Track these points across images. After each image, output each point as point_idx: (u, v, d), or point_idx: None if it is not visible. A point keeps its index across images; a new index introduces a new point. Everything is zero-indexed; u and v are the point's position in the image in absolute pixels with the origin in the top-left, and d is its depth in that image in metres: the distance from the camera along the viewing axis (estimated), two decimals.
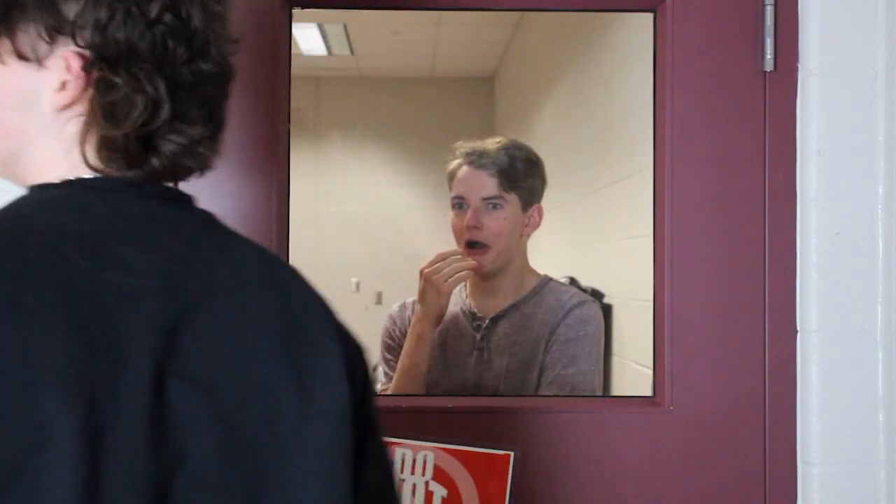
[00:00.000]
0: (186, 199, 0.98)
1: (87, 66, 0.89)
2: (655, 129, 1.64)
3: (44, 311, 0.78)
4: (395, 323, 2.09)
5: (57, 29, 0.89)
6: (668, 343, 1.60)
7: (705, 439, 1.60)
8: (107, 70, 0.88)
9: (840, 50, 1.58)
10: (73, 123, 0.91)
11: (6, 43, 0.92)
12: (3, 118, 0.93)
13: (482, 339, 2.01)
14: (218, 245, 0.96)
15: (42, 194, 0.91)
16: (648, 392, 1.66)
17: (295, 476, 0.87)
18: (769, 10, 1.60)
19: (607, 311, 2.64)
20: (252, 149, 1.59)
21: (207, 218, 0.99)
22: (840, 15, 1.58)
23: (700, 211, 1.61)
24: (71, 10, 0.89)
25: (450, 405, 1.62)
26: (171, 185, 0.97)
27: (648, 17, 1.66)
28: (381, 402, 1.70)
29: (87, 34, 0.89)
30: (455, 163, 2.05)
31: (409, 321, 2.02)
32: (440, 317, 1.99)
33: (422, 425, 1.58)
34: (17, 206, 0.90)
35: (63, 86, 0.90)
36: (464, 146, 2.05)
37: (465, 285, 2.06)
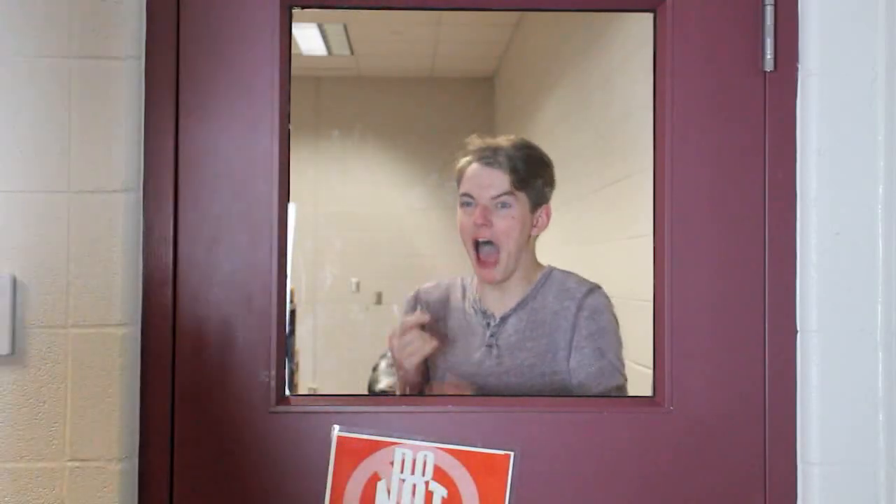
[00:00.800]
0: None
1: None
2: (655, 129, 1.64)
3: None
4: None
5: None
6: (668, 343, 1.60)
7: (705, 439, 1.60)
8: None
9: (840, 50, 1.58)
10: None
11: None
12: None
13: (492, 335, 2.00)
14: None
15: None
16: (648, 392, 1.66)
17: None
18: (769, 10, 1.60)
19: None
20: (252, 149, 1.59)
21: None
22: (840, 15, 1.58)
23: (700, 211, 1.61)
24: None
25: (450, 405, 1.62)
26: None
27: (648, 17, 1.66)
28: (382, 402, 1.71)
29: None
30: (465, 160, 2.02)
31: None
32: (416, 383, 1.97)
33: (422, 425, 1.58)
34: None
35: None
36: (475, 142, 2.02)
37: (472, 280, 2.04)
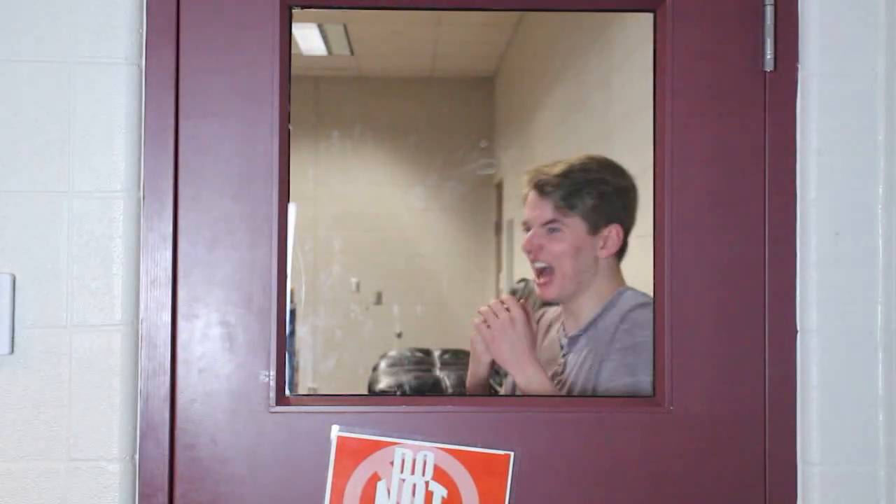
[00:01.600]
0: None
1: None
2: (655, 129, 1.64)
3: None
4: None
5: None
6: (668, 343, 1.60)
7: (705, 439, 1.60)
8: None
9: (840, 50, 1.58)
10: None
11: None
12: None
13: (564, 356, 1.98)
14: None
15: None
16: (648, 392, 1.66)
17: None
18: (769, 10, 1.60)
19: None
20: (252, 149, 1.59)
21: None
22: (840, 15, 1.58)
23: (700, 211, 1.61)
24: None
25: (450, 405, 1.62)
26: None
27: (648, 16, 1.66)
28: (382, 402, 1.71)
29: None
30: (525, 190, 2.05)
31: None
32: (484, 379, 1.96)
33: (422, 425, 1.58)
34: None
35: None
36: (531, 173, 2.06)
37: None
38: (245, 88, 1.59)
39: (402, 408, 1.61)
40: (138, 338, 1.55)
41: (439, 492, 1.57)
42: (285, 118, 1.61)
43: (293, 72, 1.63)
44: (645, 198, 1.72)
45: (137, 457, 1.55)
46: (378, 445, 1.58)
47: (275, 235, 1.58)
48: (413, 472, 1.58)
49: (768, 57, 1.60)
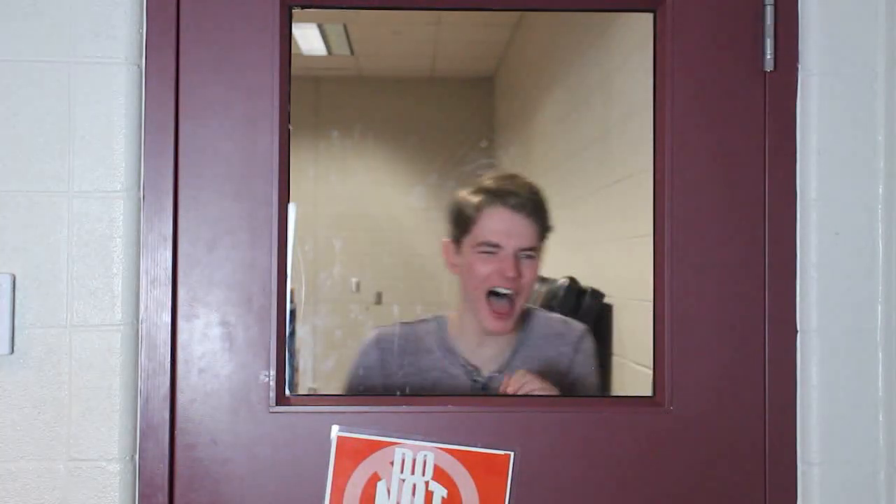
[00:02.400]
0: None
1: None
2: (655, 129, 1.64)
3: None
4: None
5: None
6: (668, 343, 1.60)
7: (705, 439, 1.60)
8: None
9: (840, 50, 1.58)
10: None
11: None
12: None
13: (483, 388, 1.87)
14: None
15: None
16: (648, 392, 1.66)
17: None
18: (769, 10, 1.60)
19: (607, 310, 2.63)
20: (253, 149, 1.59)
21: None
22: (840, 15, 1.58)
23: (700, 211, 1.61)
24: None
25: (450, 405, 1.62)
26: None
27: (648, 17, 1.66)
28: (382, 402, 1.71)
29: None
30: (478, 199, 1.84)
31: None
32: None
33: (422, 425, 1.58)
34: None
35: None
36: (487, 182, 1.86)
37: (448, 334, 1.86)
38: (245, 88, 1.59)
39: (403, 408, 1.61)
40: (138, 338, 1.55)
41: (439, 492, 1.57)
42: (285, 118, 1.61)
43: (293, 72, 1.63)
44: (644, 198, 1.72)
45: (137, 457, 1.55)
46: (378, 445, 1.58)
47: (275, 235, 1.58)
48: (413, 472, 1.57)
49: (768, 57, 1.60)
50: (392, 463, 1.58)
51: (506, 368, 1.86)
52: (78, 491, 1.50)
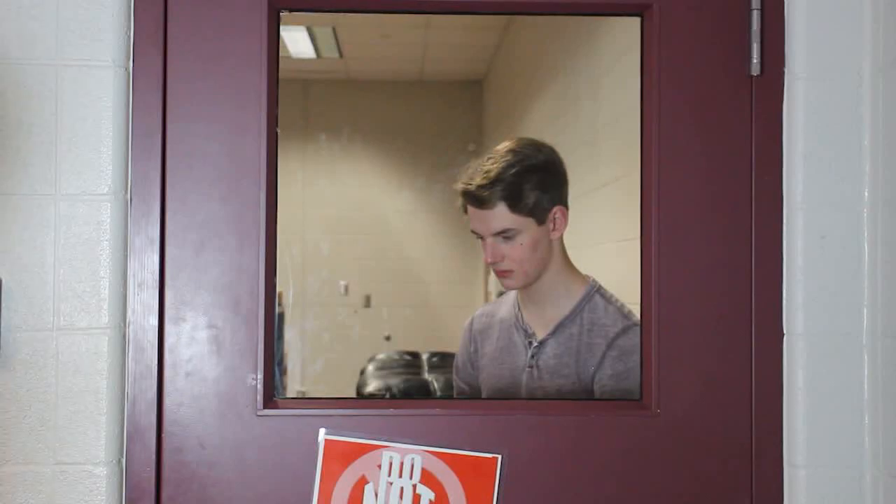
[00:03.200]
0: None
1: None
2: (643, 133, 1.65)
3: None
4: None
5: None
6: (655, 346, 1.60)
7: (692, 442, 1.60)
8: None
9: (826, 54, 1.59)
10: None
11: None
12: None
13: (533, 356, 1.94)
14: None
15: None
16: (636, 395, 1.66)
17: None
18: (756, 15, 1.61)
19: None
20: (240, 152, 1.59)
21: None
22: (826, 20, 1.59)
23: (687, 214, 1.61)
24: None
25: (437, 409, 1.62)
26: None
27: (636, 21, 1.67)
28: (370, 406, 1.71)
29: None
30: (457, 202, 2.00)
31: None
32: None
33: (409, 428, 1.58)
34: None
35: None
36: (461, 185, 1.98)
37: (518, 293, 1.99)
38: (233, 91, 1.59)
39: (390, 411, 1.61)
40: (125, 341, 1.55)
41: (427, 495, 1.57)
42: (273, 121, 1.61)
43: (281, 74, 1.63)
44: (631, 201, 1.72)
45: (124, 460, 1.54)
46: (366, 449, 1.58)
47: (262, 238, 1.58)
48: (401, 476, 1.57)
49: (755, 61, 1.61)
50: (380, 466, 1.57)
51: (550, 339, 1.92)
52: (64, 495, 1.50)
